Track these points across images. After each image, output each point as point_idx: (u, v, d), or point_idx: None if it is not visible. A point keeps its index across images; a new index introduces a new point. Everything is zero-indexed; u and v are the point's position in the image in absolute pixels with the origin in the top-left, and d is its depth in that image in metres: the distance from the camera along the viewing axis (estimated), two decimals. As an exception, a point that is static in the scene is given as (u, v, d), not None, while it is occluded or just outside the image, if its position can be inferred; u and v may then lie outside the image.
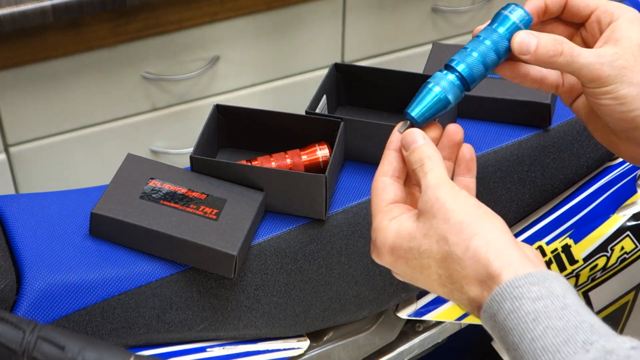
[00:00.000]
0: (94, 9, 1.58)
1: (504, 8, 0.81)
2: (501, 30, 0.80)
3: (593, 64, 0.78)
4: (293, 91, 1.95)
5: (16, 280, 0.90)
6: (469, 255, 0.70)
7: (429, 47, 1.64)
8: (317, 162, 1.01)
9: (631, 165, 1.11)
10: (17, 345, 0.76)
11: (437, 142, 0.81)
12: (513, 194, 1.09)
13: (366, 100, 1.12)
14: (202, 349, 0.98)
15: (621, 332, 1.21)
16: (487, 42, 0.81)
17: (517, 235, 1.11)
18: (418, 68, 1.18)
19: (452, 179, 0.80)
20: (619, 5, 0.82)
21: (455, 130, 0.80)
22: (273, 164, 1.00)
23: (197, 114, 1.84)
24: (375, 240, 0.76)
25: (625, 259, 1.12)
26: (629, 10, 0.82)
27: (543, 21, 0.84)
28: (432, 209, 0.72)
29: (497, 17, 0.82)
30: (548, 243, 1.10)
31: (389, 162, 0.78)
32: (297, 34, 1.88)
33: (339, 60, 1.97)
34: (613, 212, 1.11)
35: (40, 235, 0.95)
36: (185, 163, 1.01)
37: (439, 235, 0.72)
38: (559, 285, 0.67)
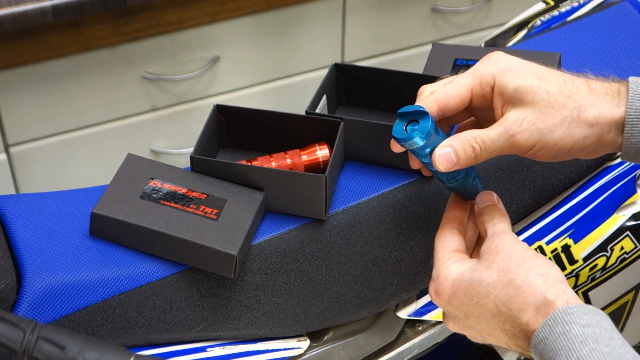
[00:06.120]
0: (94, 9, 1.58)
1: None
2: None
3: (506, 140, 0.83)
4: (293, 91, 1.95)
5: (16, 280, 0.90)
6: (528, 283, 0.77)
7: (429, 47, 1.64)
8: (317, 162, 1.01)
9: (631, 165, 1.11)
10: (18, 345, 0.76)
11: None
12: (513, 194, 1.09)
13: (366, 100, 1.12)
14: (202, 349, 0.99)
15: (621, 332, 1.21)
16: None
17: (517, 235, 1.11)
18: (418, 68, 1.18)
19: None
20: (497, 61, 0.85)
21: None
22: (273, 164, 1.00)
23: (197, 114, 1.84)
24: (438, 277, 0.84)
25: (625, 259, 1.12)
26: (505, 60, 0.85)
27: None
28: (497, 248, 0.81)
29: None
30: (548, 243, 1.10)
31: (454, 218, 0.88)
32: (297, 34, 1.88)
33: (339, 60, 1.97)
34: (613, 212, 1.11)
35: (40, 235, 0.95)
36: (185, 163, 1.01)
37: (500, 267, 0.79)
38: (607, 322, 0.73)
